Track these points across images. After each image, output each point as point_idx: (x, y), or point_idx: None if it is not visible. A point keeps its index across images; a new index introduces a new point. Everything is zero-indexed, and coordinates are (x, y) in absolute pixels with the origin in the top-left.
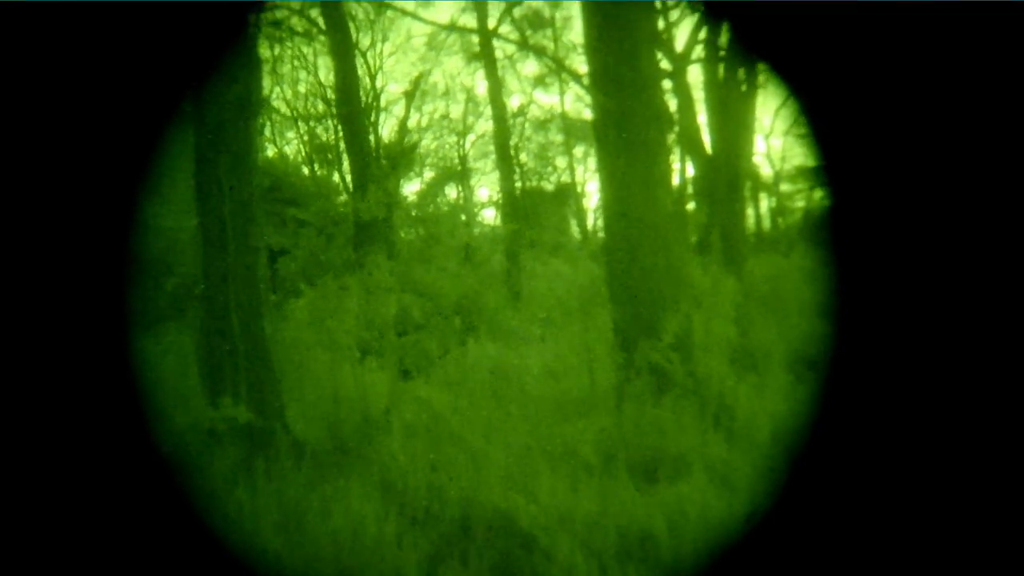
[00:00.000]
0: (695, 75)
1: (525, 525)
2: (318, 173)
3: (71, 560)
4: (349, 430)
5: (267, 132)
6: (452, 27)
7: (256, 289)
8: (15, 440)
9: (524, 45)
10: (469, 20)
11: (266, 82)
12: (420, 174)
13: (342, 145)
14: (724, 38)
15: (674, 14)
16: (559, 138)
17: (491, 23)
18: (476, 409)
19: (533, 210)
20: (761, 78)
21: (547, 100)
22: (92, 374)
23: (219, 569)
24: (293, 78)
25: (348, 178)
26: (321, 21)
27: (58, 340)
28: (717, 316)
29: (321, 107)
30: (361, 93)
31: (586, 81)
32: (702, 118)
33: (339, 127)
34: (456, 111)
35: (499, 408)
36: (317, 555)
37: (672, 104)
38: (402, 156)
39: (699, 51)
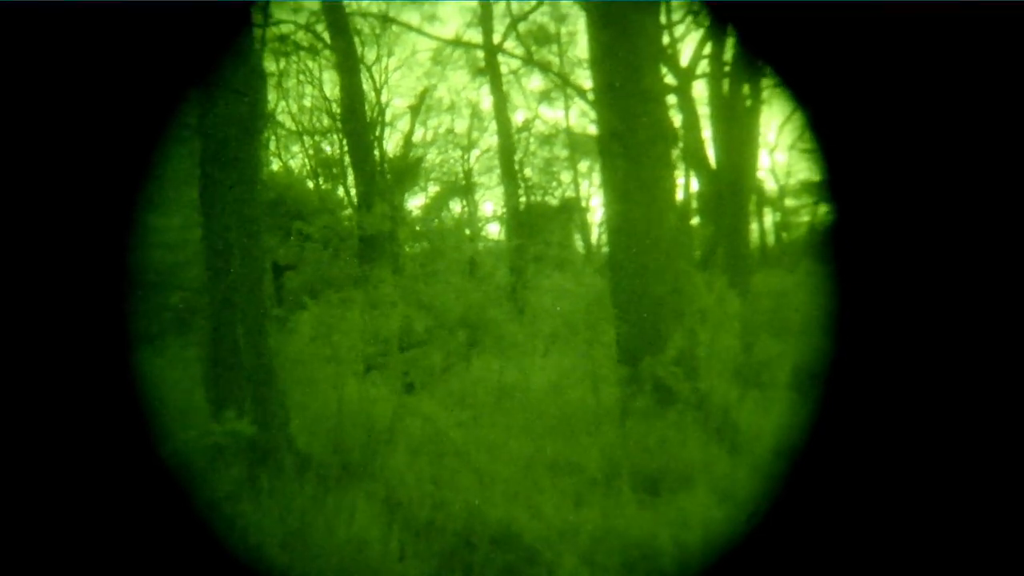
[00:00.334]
0: (700, 90)
1: (529, 539)
2: (323, 187)
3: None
4: (353, 444)
5: (272, 146)
6: (457, 42)
7: (261, 303)
8: (18, 455)
9: (529, 60)
10: (474, 35)
11: (271, 96)
12: (425, 188)
13: (347, 159)
14: (729, 53)
15: (679, 29)
16: (564, 153)
17: (496, 38)
18: (480, 423)
19: (537, 225)
20: (765, 93)
21: (552, 115)
22: (95, 389)
23: None
24: (298, 92)
25: (353, 192)
26: (326, 35)
27: (61, 355)
28: (721, 331)
29: (326, 121)
30: (366, 107)
31: (591, 96)
32: (707, 133)
33: (344, 141)
34: (461, 126)
35: (503, 423)
36: (322, 570)
37: (677, 119)
38: (407, 170)
39: (704, 66)
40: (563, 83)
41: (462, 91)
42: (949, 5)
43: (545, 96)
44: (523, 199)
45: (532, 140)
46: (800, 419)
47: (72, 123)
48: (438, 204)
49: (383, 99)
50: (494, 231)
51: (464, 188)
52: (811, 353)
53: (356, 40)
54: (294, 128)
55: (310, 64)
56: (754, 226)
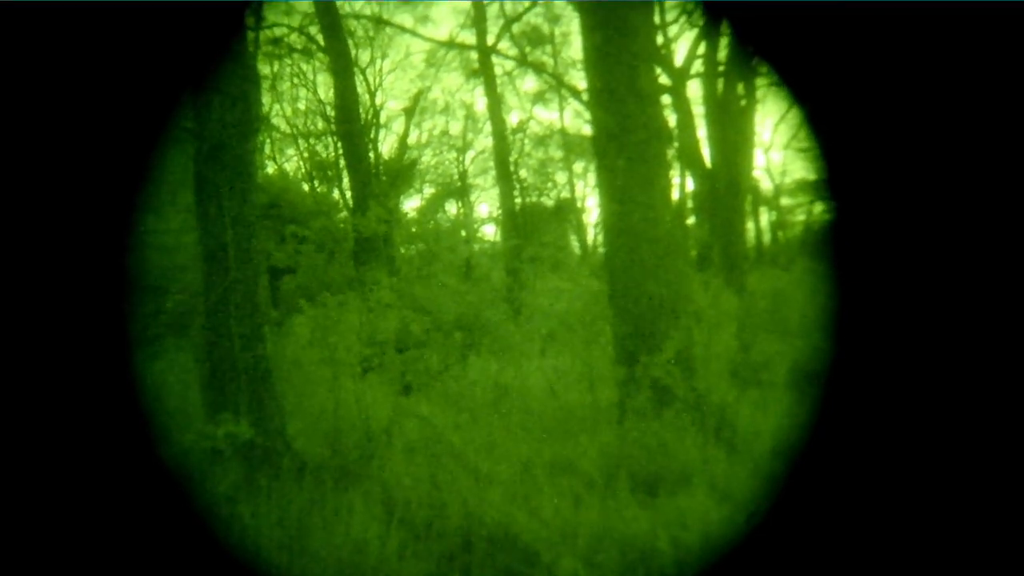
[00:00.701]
0: (694, 90)
1: (527, 540)
2: (318, 190)
3: None
4: (350, 446)
5: (267, 149)
6: (451, 44)
7: (257, 306)
8: (17, 457)
9: (523, 61)
10: (468, 37)
11: (266, 99)
12: (420, 190)
13: (342, 162)
14: (723, 53)
15: (673, 29)
16: (558, 154)
17: (490, 40)
18: (477, 425)
19: (533, 226)
20: (760, 92)
21: (546, 116)
22: (93, 392)
23: None
24: (293, 95)
25: (348, 195)
26: (320, 38)
27: (58, 357)
28: (719, 331)
29: (321, 124)
30: (360, 110)
31: (585, 97)
32: (702, 133)
33: (339, 144)
34: (455, 127)
35: (500, 424)
36: (320, 571)
37: (672, 119)
38: (402, 172)
39: (698, 66)
40: (557, 84)
41: (456, 93)
42: (947, 1)
43: (539, 97)
44: (518, 200)
45: (527, 141)
46: (798, 419)
47: (69, 126)
48: (433, 206)
49: (377, 101)
50: (490, 232)
51: (459, 190)
52: (809, 352)
53: (350, 42)
54: (289, 131)
55: (304, 67)
56: (750, 225)
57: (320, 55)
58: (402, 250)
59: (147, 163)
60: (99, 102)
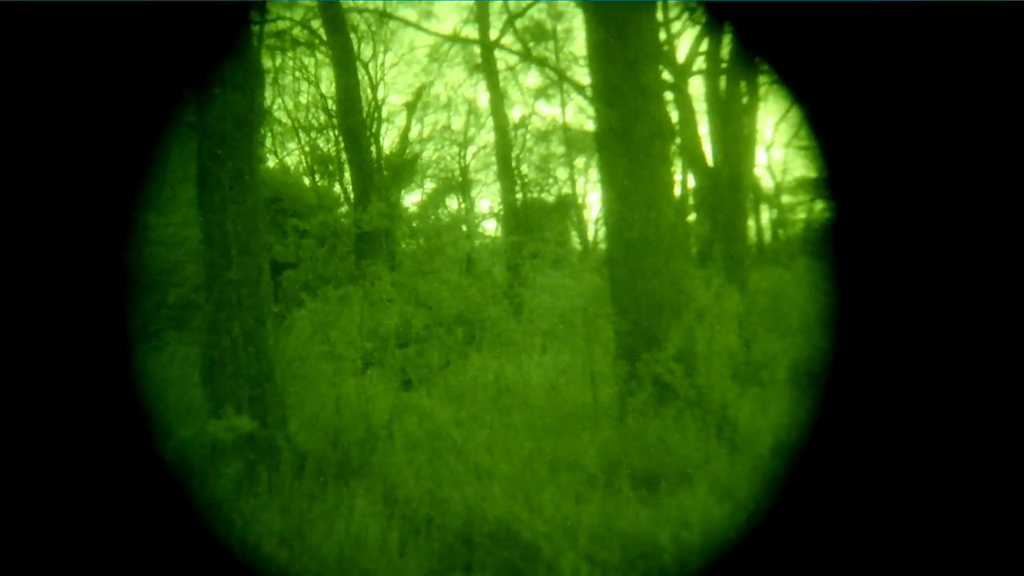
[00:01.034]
0: (697, 87)
1: (528, 536)
2: (320, 184)
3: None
4: (351, 441)
5: (269, 143)
6: (454, 38)
7: (259, 300)
8: (19, 452)
9: (526, 57)
10: (471, 32)
11: (268, 93)
12: (421, 185)
13: (343, 156)
14: (726, 50)
15: (676, 26)
16: (561, 150)
17: (493, 35)
18: (478, 420)
19: (534, 221)
20: (762, 90)
21: (549, 111)
22: (95, 386)
23: None
24: (295, 89)
25: (350, 189)
26: (323, 32)
27: (60, 352)
28: (720, 328)
29: (323, 118)
30: (363, 104)
31: (588, 93)
32: (704, 130)
33: (340, 138)
34: (458, 122)
35: (501, 420)
36: (321, 566)
37: (674, 116)
38: (403, 167)
39: (701, 63)
40: (560, 79)
41: (459, 87)
42: (946, 2)
43: (542, 92)
44: (520, 196)
45: (529, 136)
46: (799, 416)
47: (72, 121)
48: (435, 201)
49: (380, 96)
50: (491, 228)
51: (461, 185)
52: (810, 350)
53: (353, 36)
54: (290, 125)
55: (306, 60)
56: (751, 223)
57: (323, 49)
58: (403, 245)
59: (149, 158)
60: (103, 97)
